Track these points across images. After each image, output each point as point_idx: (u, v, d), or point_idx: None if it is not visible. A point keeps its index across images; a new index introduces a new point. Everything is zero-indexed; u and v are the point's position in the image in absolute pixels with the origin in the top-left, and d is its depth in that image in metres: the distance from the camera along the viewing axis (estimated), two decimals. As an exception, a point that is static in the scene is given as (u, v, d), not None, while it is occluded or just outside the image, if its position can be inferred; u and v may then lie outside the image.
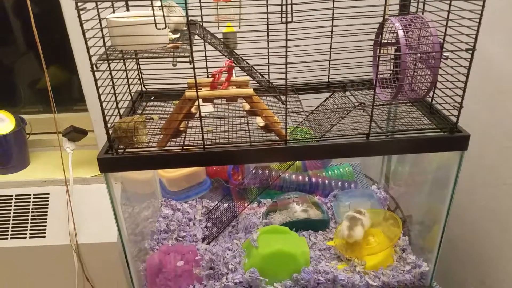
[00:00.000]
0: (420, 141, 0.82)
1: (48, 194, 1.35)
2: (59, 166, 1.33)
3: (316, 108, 1.00)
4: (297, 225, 1.10)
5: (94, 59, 0.71)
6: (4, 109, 1.41)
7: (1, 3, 1.45)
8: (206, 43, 0.88)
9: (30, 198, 1.35)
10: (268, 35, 0.87)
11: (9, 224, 1.32)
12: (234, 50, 0.97)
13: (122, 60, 0.78)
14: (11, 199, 1.35)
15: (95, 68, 0.70)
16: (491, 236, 1.06)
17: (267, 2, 0.84)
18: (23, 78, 1.60)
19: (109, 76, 0.78)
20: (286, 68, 0.75)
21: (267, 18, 0.85)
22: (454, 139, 0.82)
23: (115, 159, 0.79)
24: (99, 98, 0.74)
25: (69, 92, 1.60)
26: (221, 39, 0.96)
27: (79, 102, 1.58)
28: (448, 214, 0.90)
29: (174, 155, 0.80)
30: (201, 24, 0.91)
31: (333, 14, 0.87)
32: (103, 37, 0.73)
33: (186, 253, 1.00)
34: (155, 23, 0.68)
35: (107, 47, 0.75)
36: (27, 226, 1.32)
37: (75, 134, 1.34)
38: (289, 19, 0.72)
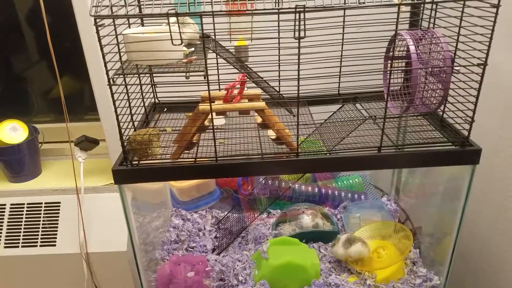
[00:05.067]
0: (432, 154, 0.82)
1: (59, 202, 1.37)
2: (71, 175, 1.34)
3: (326, 120, 1.01)
4: (307, 237, 1.10)
5: (110, 73, 0.72)
6: (16, 117, 1.44)
7: (15, 13, 1.48)
8: (218, 57, 0.89)
9: (41, 207, 1.37)
10: (279, 49, 0.88)
11: (20, 232, 1.34)
12: (246, 64, 0.98)
13: (137, 74, 0.79)
14: (23, 207, 1.37)
15: (111, 82, 0.72)
16: (503, 249, 1.05)
17: (278, 17, 0.85)
18: (35, 87, 1.62)
19: (124, 90, 0.79)
20: (298, 83, 0.76)
21: (279, 32, 0.86)
22: (466, 153, 0.82)
23: (130, 171, 0.80)
24: (116, 112, 0.75)
25: (80, 101, 1.62)
26: (233, 53, 0.97)
27: (90, 111, 1.60)
28: (459, 228, 0.90)
29: (187, 167, 0.80)
30: (214, 38, 0.92)
31: (343, 27, 0.88)
32: (119, 52, 0.75)
33: (197, 264, 1.00)
34: (171, 39, 0.69)
35: (122, 62, 0.77)
36: (38, 235, 1.34)
37: (87, 143, 1.35)
38: (302, 35, 0.73)
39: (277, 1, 0.85)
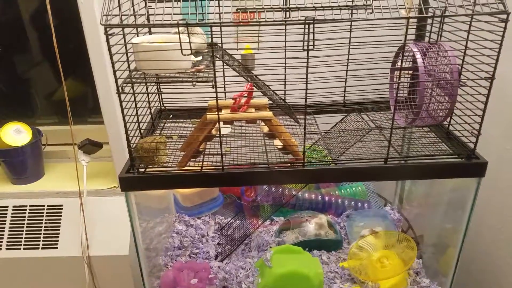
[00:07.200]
0: (438, 167, 0.83)
1: (62, 205, 1.37)
2: (74, 177, 1.34)
3: (330, 129, 1.01)
4: (310, 245, 1.10)
5: (119, 82, 0.72)
6: (19, 119, 1.44)
7: (19, 15, 1.48)
8: (225, 65, 0.89)
9: (44, 209, 1.36)
10: (285, 59, 0.88)
11: (22, 234, 1.34)
12: (252, 71, 0.98)
13: (145, 83, 0.79)
14: (25, 209, 1.36)
15: (120, 91, 0.72)
16: (507, 260, 1.05)
17: (285, 28, 0.85)
18: (39, 90, 1.62)
19: (131, 97, 0.79)
20: (306, 94, 0.76)
21: (285, 42, 0.86)
22: (471, 166, 0.82)
23: (137, 178, 0.80)
24: (124, 120, 0.75)
25: (84, 104, 1.62)
26: (240, 61, 0.97)
27: (93, 113, 1.60)
28: (463, 240, 0.90)
29: (194, 175, 0.81)
30: (220, 46, 0.93)
31: (350, 38, 0.88)
32: (127, 60, 0.75)
33: (200, 271, 1.00)
34: (181, 49, 0.70)
35: (130, 70, 0.77)
36: (40, 237, 1.33)
37: (91, 147, 1.36)
38: (311, 47, 0.73)
39: (285, 11, 0.85)
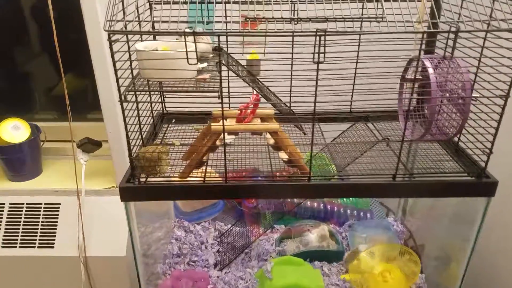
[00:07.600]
0: (447, 185, 0.80)
1: (59, 204, 1.35)
2: (72, 176, 1.32)
3: (335, 138, 0.98)
4: (311, 255, 1.09)
5: (122, 90, 0.70)
6: (17, 115, 1.41)
7: (19, 9, 1.45)
8: (230, 72, 0.87)
9: (41, 207, 1.34)
10: (291, 71, 0.86)
11: (18, 232, 1.32)
12: (257, 77, 0.96)
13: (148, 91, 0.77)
14: (22, 207, 1.34)
15: (123, 99, 0.69)
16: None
17: (293, 39, 0.82)
18: (38, 85, 1.59)
19: (134, 105, 0.76)
20: (314, 106, 0.74)
21: (292, 54, 0.84)
22: (482, 185, 0.80)
23: (137, 188, 0.78)
24: (126, 128, 0.73)
25: (83, 101, 1.59)
26: (245, 66, 0.95)
27: (92, 110, 1.57)
28: (470, 259, 0.88)
29: (196, 187, 0.78)
30: (226, 51, 0.90)
31: (358, 51, 0.86)
32: (131, 67, 0.72)
33: (199, 281, 0.99)
34: (187, 58, 0.67)
35: (134, 77, 0.74)
36: (36, 236, 1.31)
37: (90, 146, 1.33)
38: (321, 59, 0.70)
39: (294, 22, 0.82)
